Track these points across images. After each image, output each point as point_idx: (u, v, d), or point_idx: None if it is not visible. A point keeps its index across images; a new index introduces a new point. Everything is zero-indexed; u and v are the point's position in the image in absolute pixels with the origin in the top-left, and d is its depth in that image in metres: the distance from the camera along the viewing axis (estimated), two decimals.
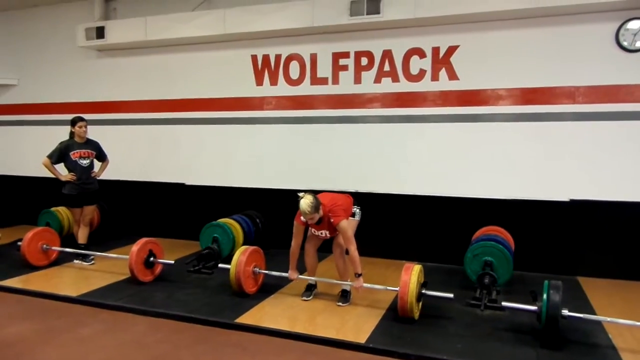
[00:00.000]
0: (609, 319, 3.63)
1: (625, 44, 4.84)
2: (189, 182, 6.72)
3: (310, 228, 4.28)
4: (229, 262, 4.47)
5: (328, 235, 4.29)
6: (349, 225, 4.17)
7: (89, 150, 5.58)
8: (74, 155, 5.47)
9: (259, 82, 6.33)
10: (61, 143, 5.50)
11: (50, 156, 5.42)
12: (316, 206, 3.98)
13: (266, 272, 4.60)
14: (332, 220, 4.07)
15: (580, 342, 3.57)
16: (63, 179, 5.43)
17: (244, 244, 5.70)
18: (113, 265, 5.35)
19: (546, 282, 3.63)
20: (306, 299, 4.42)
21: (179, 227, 6.74)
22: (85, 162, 5.53)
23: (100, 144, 5.77)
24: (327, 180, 5.87)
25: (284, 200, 6.22)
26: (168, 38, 6.35)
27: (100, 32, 6.58)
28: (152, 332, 3.83)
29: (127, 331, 3.85)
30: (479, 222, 5.33)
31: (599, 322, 3.78)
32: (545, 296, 3.50)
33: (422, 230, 5.75)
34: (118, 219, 7.02)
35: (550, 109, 5.19)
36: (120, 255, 5.23)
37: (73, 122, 5.50)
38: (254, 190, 6.44)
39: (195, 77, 6.63)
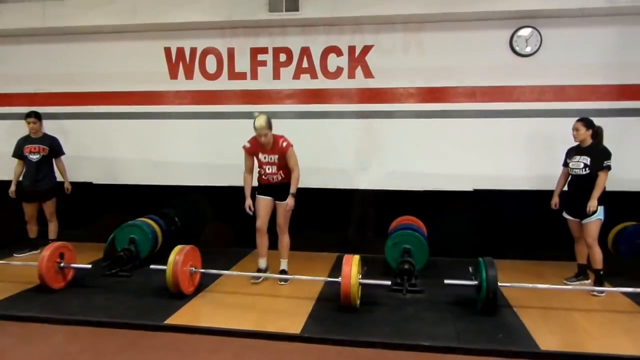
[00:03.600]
0: (508, 284, 4.23)
1: (517, 49, 5.42)
2: (96, 181, 6.30)
3: (259, 155, 4.66)
4: (148, 264, 4.33)
5: (276, 162, 4.60)
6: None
7: (40, 145, 5.45)
8: (25, 150, 5.40)
9: (173, 75, 6.12)
10: (19, 139, 5.50)
11: (13, 155, 5.51)
12: (269, 123, 4.47)
13: (204, 271, 4.52)
14: (283, 144, 4.53)
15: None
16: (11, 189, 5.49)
17: (163, 244, 5.50)
18: (12, 274, 4.88)
19: (480, 259, 4.09)
20: (255, 281, 4.74)
21: (87, 229, 6.27)
22: (34, 157, 5.41)
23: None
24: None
25: (202, 198, 6.14)
26: (71, 26, 5.88)
27: None
28: (72, 342, 3.58)
29: (44, 342, 3.56)
30: (394, 213, 5.67)
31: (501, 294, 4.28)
32: (483, 272, 3.95)
33: (340, 222, 5.97)
34: (13, 224, 6.34)
35: (454, 107, 5.66)
36: (26, 263, 4.78)
37: (25, 117, 5.49)
38: (169, 187, 6.22)
39: (103, 68, 6.19)
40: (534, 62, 5.43)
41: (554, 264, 5.33)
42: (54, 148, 5.60)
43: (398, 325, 3.81)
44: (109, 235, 5.36)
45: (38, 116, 5.58)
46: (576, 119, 4.64)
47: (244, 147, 4.71)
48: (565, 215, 4.73)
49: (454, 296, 4.34)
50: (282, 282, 4.73)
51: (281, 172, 4.68)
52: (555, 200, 4.84)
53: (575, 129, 4.58)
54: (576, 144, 4.66)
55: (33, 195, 5.50)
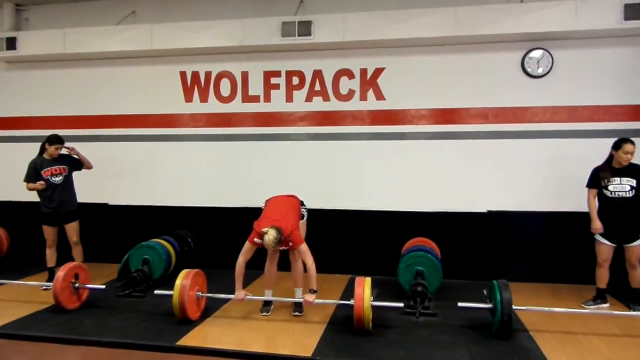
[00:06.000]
0: (523, 307, 4.16)
1: (529, 70, 5.44)
2: (112, 202, 6.40)
3: None
4: (162, 285, 4.33)
5: (288, 247, 4.40)
6: (303, 236, 4.45)
7: (61, 166, 5.33)
8: (45, 173, 5.25)
9: (188, 98, 6.25)
10: (32, 161, 5.30)
11: (27, 179, 5.26)
12: (280, 239, 4.11)
13: (210, 295, 4.48)
14: (291, 245, 4.25)
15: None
16: (34, 187, 5.23)
17: (176, 265, 5.53)
18: (29, 294, 4.95)
19: (494, 281, 4.03)
20: (266, 314, 4.50)
21: (102, 250, 6.34)
22: (57, 180, 5.28)
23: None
24: (258, 197, 5.81)
25: (215, 219, 6.19)
26: (90, 52, 6.08)
27: (11, 43, 6.12)
28: None
29: None
30: (407, 235, 5.62)
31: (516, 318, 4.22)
32: (498, 294, 3.89)
33: (352, 244, 5.95)
34: (30, 244, 6.45)
35: (467, 128, 5.66)
36: (43, 283, 4.84)
37: (50, 141, 5.27)
38: (183, 209, 6.29)
39: (119, 92, 6.38)
40: (546, 83, 5.43)
41: (570, 287, 5.23)
42: (73, 164, 5.49)
43: (411, 348, 3.75)
44: (123, 256, 5.42)
45: (63, 141, 5.43)
46: (616, 138, 4.49)
47: (255, 242, 4.19)
48: (600, 239, 4.55)
49: (468, 319, 4.28)
50: (297, 314, 4.50)
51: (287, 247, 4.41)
52: (598, 225, 4.50)
53: (630, 152, 4.35)
54: (601, 163, 4.57)
55: (57, 218, 5.36)
